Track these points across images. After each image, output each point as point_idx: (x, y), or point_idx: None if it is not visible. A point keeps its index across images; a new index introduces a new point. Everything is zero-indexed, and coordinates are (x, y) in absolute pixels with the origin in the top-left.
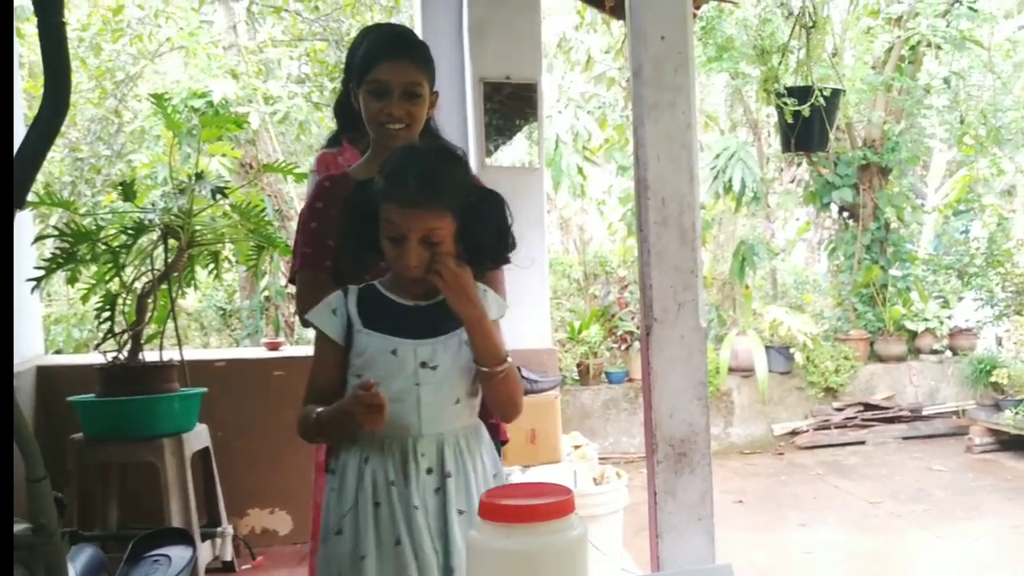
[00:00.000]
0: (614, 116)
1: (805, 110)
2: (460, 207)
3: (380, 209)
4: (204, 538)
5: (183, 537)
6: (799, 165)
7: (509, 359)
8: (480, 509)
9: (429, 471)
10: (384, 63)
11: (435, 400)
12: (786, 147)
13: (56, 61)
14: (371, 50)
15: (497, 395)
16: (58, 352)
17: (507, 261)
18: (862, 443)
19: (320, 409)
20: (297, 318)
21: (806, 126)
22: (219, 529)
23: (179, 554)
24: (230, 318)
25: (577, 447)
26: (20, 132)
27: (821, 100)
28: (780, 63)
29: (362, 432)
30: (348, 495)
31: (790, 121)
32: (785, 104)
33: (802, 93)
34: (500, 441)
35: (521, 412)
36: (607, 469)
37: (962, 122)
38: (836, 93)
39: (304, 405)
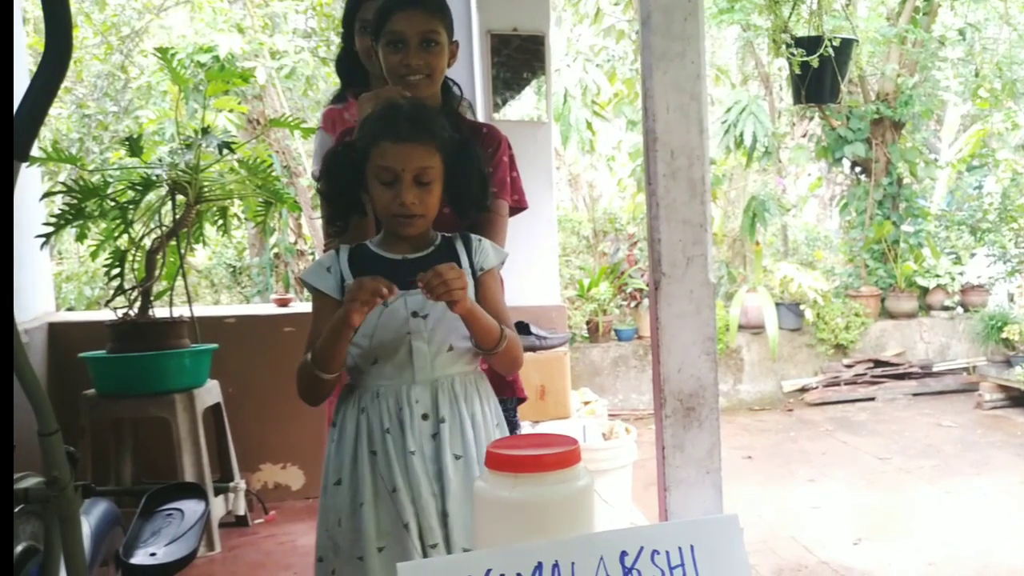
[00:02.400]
0: (623, 70)
1: (814, 60)
2: (447, 151)
3: (371, 156)
4: (217, 493)
5: (196, 492)
6: (811, 120)
7: (506, 332)
8: (487, 459)
9: (424, 417)
10: (398, 14)
11: (427, 348)
12: (797, 99)
13: (57, 9)
14: (386, 2)
15: (498, 363)
16: (70, 309)
17: (485, 210)
18: (872, 399)
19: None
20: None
21: (817, 77)
22: (231, 484)
23: (192, 508)
24: (240, 275)
25: (587, 403)
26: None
27: (831, 50)
28: (791, 14)
29: (362, 382)
30: (347, 446)
31: (799, 72)
32: (794, 55)
33: (812, 43)
34: (518, 399)
35: (520, 367)
36: (616, 425)
37: (977, 75)
38: (847, 43)
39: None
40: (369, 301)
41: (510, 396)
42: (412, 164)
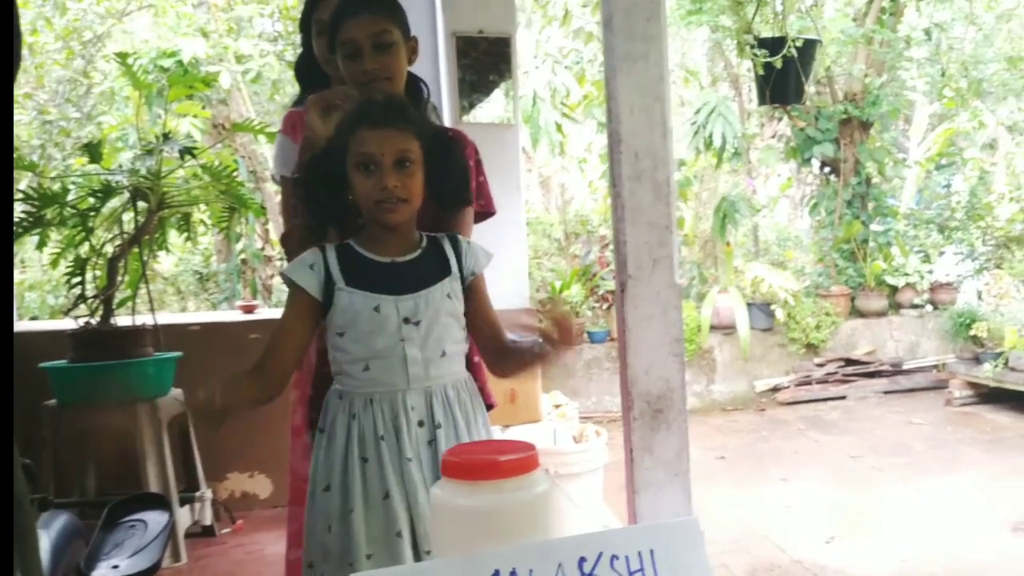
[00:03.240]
0: (592, 71)
1: (777, 61)
2: (426, 138)
3: (349, 147)
4: (183, 503)
5: (159, 502)
6: (780, 120)
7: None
8: (443, 467)
9: (420, 424)
10: (348, 22)
11: (420, 354)
12: (762, 99)
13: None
14: (336, 12)
15: (521, 371)
16: (34, 319)
17: (469, 202)
18: (843, 398)
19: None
20: (276, 279)
21: (781, 78)
22: (197, 494)
23: (155, 519)
24: (207, 282)
25: (557, 406)
26: None
27: (794, 51)
28: (755, 14)
29: (353, 388)
30: (337, 452)
31: (763, 73)
32: (757, 55)
33: (775, 44)
34: (487, 405)
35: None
36: (587, 427)
37: (943, 75)
38: (811, 44)
39: (264, 354)
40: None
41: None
42: (391, 148)
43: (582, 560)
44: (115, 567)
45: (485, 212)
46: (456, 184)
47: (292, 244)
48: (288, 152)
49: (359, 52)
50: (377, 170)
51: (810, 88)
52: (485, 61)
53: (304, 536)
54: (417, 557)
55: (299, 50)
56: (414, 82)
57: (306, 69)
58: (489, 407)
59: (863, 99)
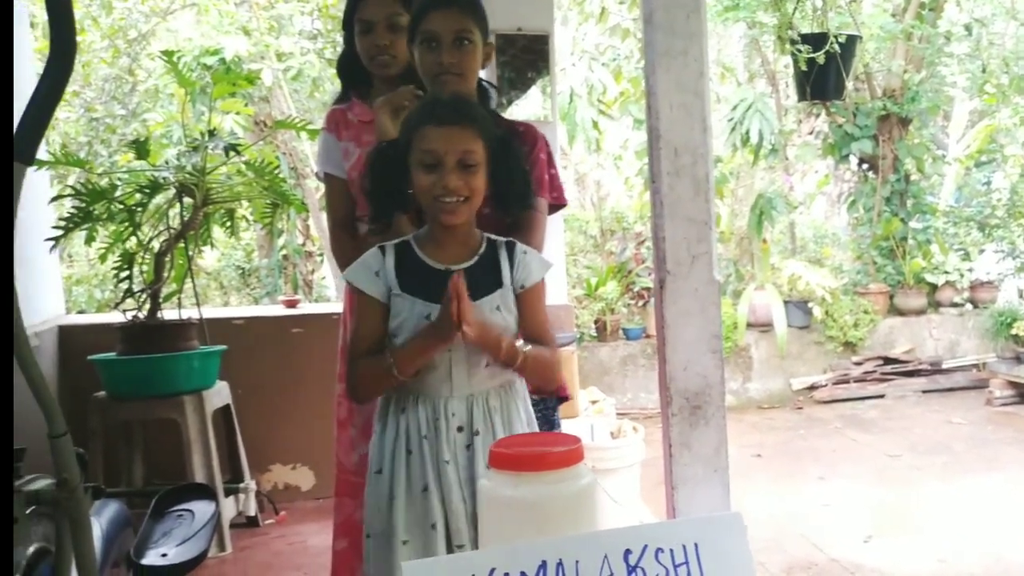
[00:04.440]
0: (629, 68)
1: (820, 57)
2: (491, 140)
3: (413, 143)
4: (227, 494)
5: (206, 492)
6: (818, 116)
7: (526, 353)
8: (490, 458)
9: (460, 429)
10: (433, 13)
11: (465, 364)
12: (802, 95)
13: (60, 12)
14: (422, 2)
15: (526, 379)
16: (81, 312)
17: (530, 207)
18: (881, 397)
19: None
20: (317, 273)
21: (821, 74)
22: (242, 485)
23: (202, 509)
24: (249, 277)
25: (594, 402)
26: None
27: (836, 47)
28: (795, 10)
29: (401, 387)
30: (388, 440)
31: (804, 69)
32: (799, 51)
33: (817, 40)
34: (559, 398)
35: (556, 383)
36: (624, 423)
37: (984, 71)
38: (852, 40)
39: (353, 362)
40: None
41: (551, 395)
42: (455, 147)
43: (627, 552)
44: (164, 555)
45: (557, 204)
46: (518, 188)
47: (338, 248)
48: (331, 149)
49: (439, 44)
50: (439, 168)
51: (849, 84)
52: (523, 58)
53: (365, 510)
54: (449, 550)
55: (339, 48)
56: (482, 85)
57: (348, 67)
58: (563, 399)
59: (902, 95)
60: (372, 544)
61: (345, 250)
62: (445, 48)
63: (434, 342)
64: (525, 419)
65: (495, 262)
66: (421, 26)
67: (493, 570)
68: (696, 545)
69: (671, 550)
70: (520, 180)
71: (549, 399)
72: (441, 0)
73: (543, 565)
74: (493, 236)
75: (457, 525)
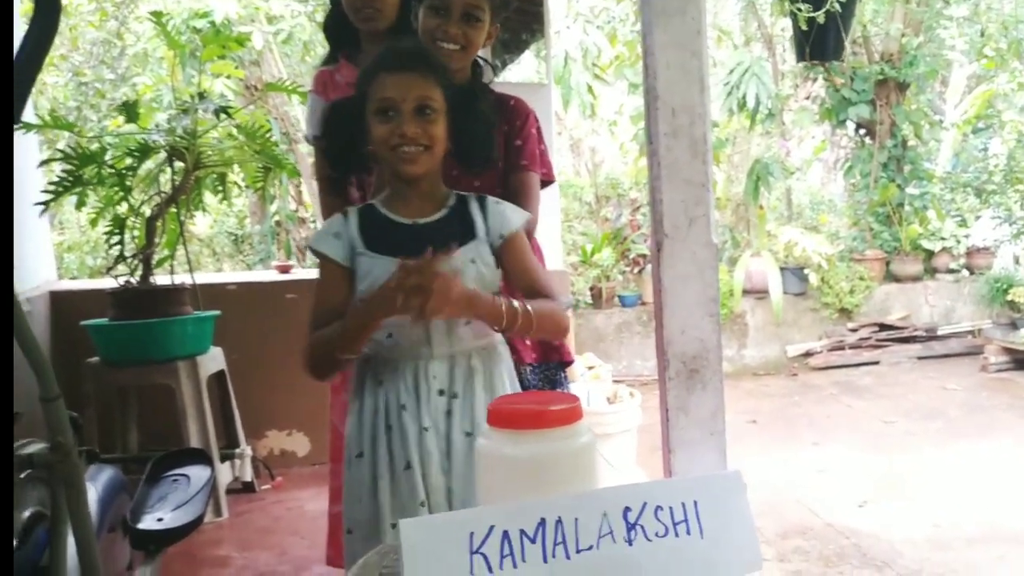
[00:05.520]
0: (624, 31)
1: (820, 16)
2: (451, 88)
3: (369, 95)
4: (223, 459)
5: (201, 457)
6: (815, 81)
7: (522, 308)
8: (488, 416)
9: (440, 392)
10: None
11: (443, 322)
12: (800, 56)
13: None
14: None
15: (527, 336)
16: (73, 279)
17: (493, 163)
18: (876, 363)
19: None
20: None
21: (821, 34)
22: (237, 450)
23: (198, 474)
24: (241, 243)
25: (591, 368)
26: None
27: (836, 6)
28: None
29: (378, 354)
30: (367, 419)
31: (804, 28)
32: (799, 10)
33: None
34: (564, 362)
35: (566, 332)
36: (620, 389)
37: (983, 35)
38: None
39: (310, 335)
40: (412, 301)
41: (556, 360)
42: (411, 93)
43: (627, 510)
44: (159, 520)
45: (546, 180)
46: (481, 141)
47: (327, 212)
48: (319, 111)
49: (447, 13)
50: (396, 116)
51: (847, 46)
52: (517, 20)
53: (343, 502)
54: None
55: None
56: (475, 60)
57: (335, 26)
58: (567, 364)
59: (900, 59)
60: (356, 538)
61: (334, 212)
62: (453, 18)
63: (375, 311)
64: (508, 385)
65: (466, 214)
66: None
67: (492, 527)
68: (696, 503)
69: (671, 508)
70: (483, 134)
71: (554, 363)
72: None
73: (542, 523)
74: (462, 192)
75: (437, 500)
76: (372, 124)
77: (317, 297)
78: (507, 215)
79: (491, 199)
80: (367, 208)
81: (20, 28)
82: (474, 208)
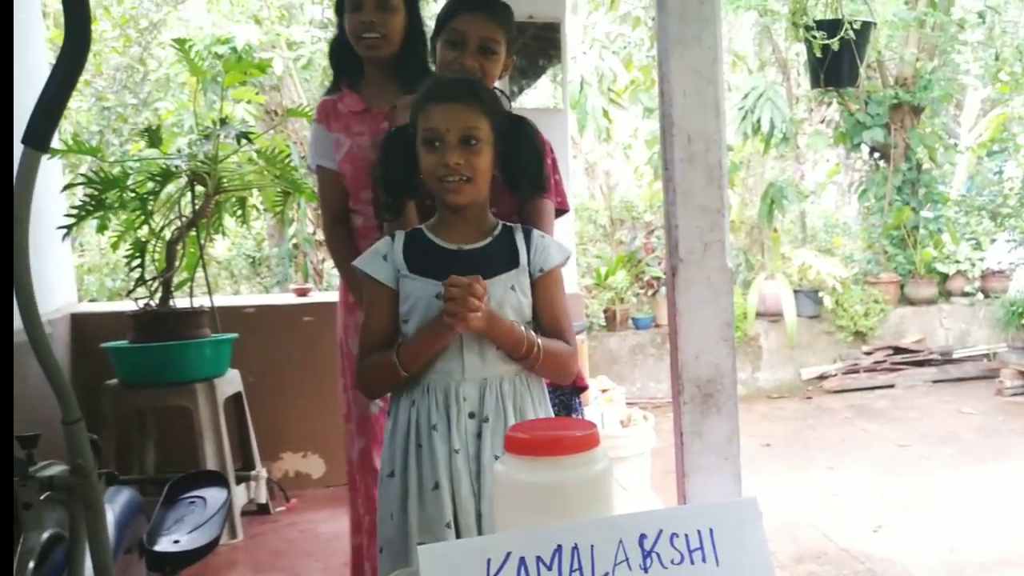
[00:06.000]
0: (640, 56)
1: (835, 44)
2: (497, 119)
3: (418, 125)
4: (239, 481)
5: (218, 480)
6: (829, 105)
7: (540, 346)
8: (506, 443)
9: (471, 415)
10: (464, 15)
11: (477, 346)
12: (815, 83)
13: (74, 1)
14: (455, 2)
15: (538, 373)
16: (92, 301)
17: (544, 190)
18: (891, 387)
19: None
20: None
21: (835, 60)
22: (253, 472)
23: (214, 496)
24: (259, 266)
25: (604, 391)
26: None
27: (851, 33)
28: None
29: (413, 374)
30: (399, 438)
31: (819, 55)
32: (814, 38)
33: (831, 27)
34: (580, 387)
35: (571, 377)
36: (634, 412)
37: (997, 58)
38: (866, 26)
39: (363, 358)
40: (472, 309)
41: (570, 386)
42: (457, 124)
43: (642, 537)
44: (176, 541)
45: (560, 210)
46: (530, 169)
47: (332, 241)
48: (322, 141)
49: (463, 46)
50: (441, 146)
51: (862, 72)
52: (534, 46)
53: (377, 520)
54: None
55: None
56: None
57: (338, 53)
58: (581, 389)
59: (914, 83)
60: (386, 557)
61: (339, 243)
62: (469, 52)
63: (439, 332)
64: (541, 411)
65: (511, 243)
66: (450, 23)
67: (509, 554)
68: (711, 530)
69: (686, 535)
70: (532, 160)
71: (566, 388)
72: (472, 3)
73: (558, 549)
74: (509, 223)
75: (467, 522)
76: (421, 154)
77: (367, 322)
78: (551, 251)
79: (536, 232)
80: (415, 232)
81: (50, 56)
82: (519, 239)
